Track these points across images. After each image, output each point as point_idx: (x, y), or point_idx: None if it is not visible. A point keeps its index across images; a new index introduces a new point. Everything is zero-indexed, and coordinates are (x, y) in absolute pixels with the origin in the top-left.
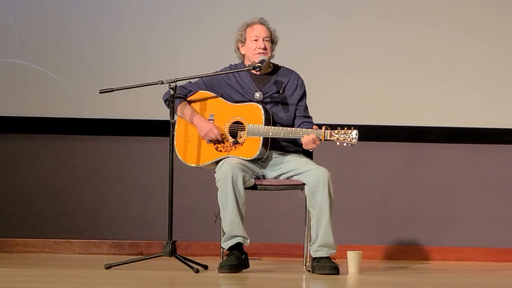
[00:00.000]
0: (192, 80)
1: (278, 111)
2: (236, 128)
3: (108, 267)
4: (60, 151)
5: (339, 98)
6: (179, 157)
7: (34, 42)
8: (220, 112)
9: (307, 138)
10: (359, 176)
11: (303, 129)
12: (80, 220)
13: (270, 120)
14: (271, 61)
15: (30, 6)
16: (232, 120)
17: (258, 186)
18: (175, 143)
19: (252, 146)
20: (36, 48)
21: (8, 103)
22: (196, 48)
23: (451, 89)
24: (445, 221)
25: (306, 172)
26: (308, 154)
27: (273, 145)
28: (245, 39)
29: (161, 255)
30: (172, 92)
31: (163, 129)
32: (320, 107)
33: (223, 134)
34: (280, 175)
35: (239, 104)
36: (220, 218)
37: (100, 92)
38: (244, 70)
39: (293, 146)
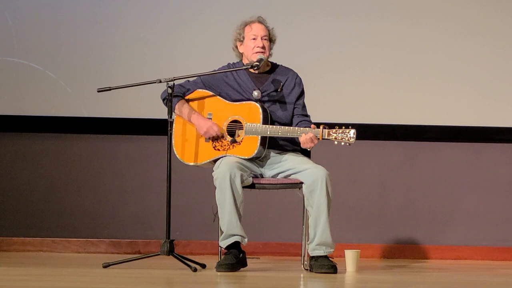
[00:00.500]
0: (190, 79)
1: (276, 110)
2: (234, 127)
3: (106, 266)
4: (58, 150)
5: (337, 97)
6: (177, 155)
7: (32, 41)
8: (218, 110)
9: (305, 137)
10: (357, 175)
11: (301, 128)
12: (78, 219)
13: (268, 119)
14: (269, 59)
15: (27, 5)
16: (230, 119)
17: (256, 185)
18: (173, 141)
19: (250, 145)
20: (34, 47)
21: (6, 102)
22: (194, 47)
23: (449, 88)
24: (443, 220)
25: (304, 171)
26: (306, 153)
27: (271, 144)
28: (243, 37)
29: (159, 254)
30: (169, 91)
31: (161, 127)
32: (318, 106)
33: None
34: (278, 174)
35: (237, 103)
36: (218, 217)
37: (98, 91)
38: (242, 69)
39: (291, 145)
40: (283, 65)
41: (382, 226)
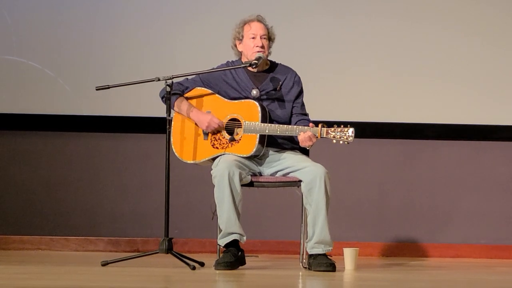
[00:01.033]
0: (189, 77)
1: (275, 109)
2: (232, 125)
3: (105, 264)
4: (56, 148)
5: (335, 95)
6: (176, 153)
7: (31, 39)
8: (217, 109)
9: (304, 135)
10: (356, 173)
11: (300, 127)
12: (77, 217)
13: (267, 117)
14: (268, 58)
15: (26, 3)
16: (229, 117)
17: (254, 183)
18: (171, 140)
19: (248, 143)
20: (33, 45)
21: (5, 100)
22: (193, 45)
23: (448, 86)
24: (441, 218)
25: (303, 169)
26: (305, 151)
27: (270, 142)
28: (242, 36)
29: (157, 252)
30: (168, 89)
31: (159, 126)
32: (316, 105)
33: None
34: (276, 172)
35: (236, 101)
36: (217, 215)
37: (97, 89)
38: (240, 67)
39: (290, 143)
40: (282, 63)
41: (381, 224)
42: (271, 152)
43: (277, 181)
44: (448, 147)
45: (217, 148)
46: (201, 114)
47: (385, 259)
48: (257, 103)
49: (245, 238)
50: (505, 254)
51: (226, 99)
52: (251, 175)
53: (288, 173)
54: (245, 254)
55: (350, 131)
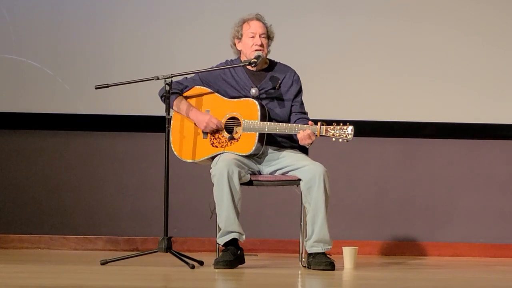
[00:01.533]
0: (188, 76)
1: (274, 107)
2: (232, 124)
3: (104, 263)
4: (55, 147)
5: (334, 94)
6: (175, 152)
7: (30, 38)
8: (216, 107)
9: (303, 133)
10: (355, 171)
11: (299, 125)
12: (76, 216)
13: (266, 116)
14: (267, 57)
15: (25, 2)
16: (228, 116)
17: (253, 182)
18: (170, 138)
19: (247, 142)
20: (32, 44)
21: (4, 99)
22: (192, 44)
23: (446, 85)
24: (441, 217)
25: (302, 167)
26: (304, 149)
27: (269, 140)
28: (241, 35)
29: (156, 251)
30: (167, 88)
31: (158, 124)
32: (316, 103)
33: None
34: (275, 170)
35: (235, 99)
36: (216, 214)
37: (96, 88)
38: (239, 66)
39: (289, 142)
40: (281, 62)
41: (380, 223)
42: (270, 150)
43: (276, 180)
44: (447, 146)
45: (216, 146)
46: (199, 114)
47: (384, 257)
48: (256, 102)
49: (244, 237)
50: (504, 252)
51: (225, 98)
52: (250, 174)
53: (287, 171)
54: (244, 253)
55: (350, 129)
